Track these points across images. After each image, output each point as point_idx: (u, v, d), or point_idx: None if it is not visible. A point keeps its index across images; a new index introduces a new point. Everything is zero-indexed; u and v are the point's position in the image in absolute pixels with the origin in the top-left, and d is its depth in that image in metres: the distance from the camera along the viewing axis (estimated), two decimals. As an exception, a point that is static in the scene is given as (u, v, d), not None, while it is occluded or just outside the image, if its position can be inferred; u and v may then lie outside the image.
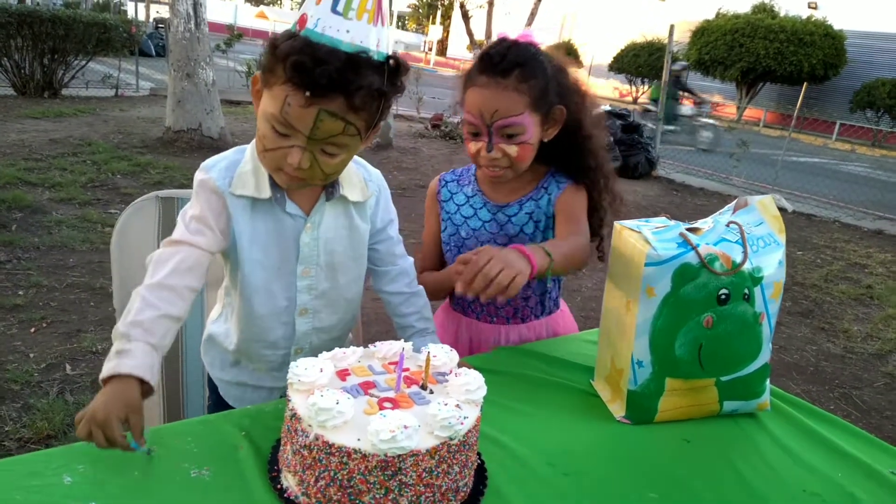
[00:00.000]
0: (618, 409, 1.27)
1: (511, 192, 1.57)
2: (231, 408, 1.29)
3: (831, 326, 4.73)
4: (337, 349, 1.09)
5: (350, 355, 1.08)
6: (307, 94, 1.04)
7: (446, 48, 33.83)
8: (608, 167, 1.55)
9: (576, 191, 1.54)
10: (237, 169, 1.21)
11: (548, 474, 1.08)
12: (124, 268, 1.51)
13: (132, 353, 1.02)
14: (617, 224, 1.29)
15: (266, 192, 1.20)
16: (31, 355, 2.97)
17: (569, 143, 1.50)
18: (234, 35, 13.00)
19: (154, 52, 16.41)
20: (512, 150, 1.43)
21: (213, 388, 1.41)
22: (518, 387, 1.34)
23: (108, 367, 1.01)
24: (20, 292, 3.60)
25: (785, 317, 4.75)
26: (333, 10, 1.04)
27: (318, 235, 1.26)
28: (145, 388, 1.02)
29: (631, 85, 27.99)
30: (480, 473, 1.04)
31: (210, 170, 1.21)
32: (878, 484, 1.15)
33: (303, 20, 1.06)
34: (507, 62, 1.39)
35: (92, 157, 6.57)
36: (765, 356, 1.27)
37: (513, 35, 1.46)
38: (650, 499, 1.06)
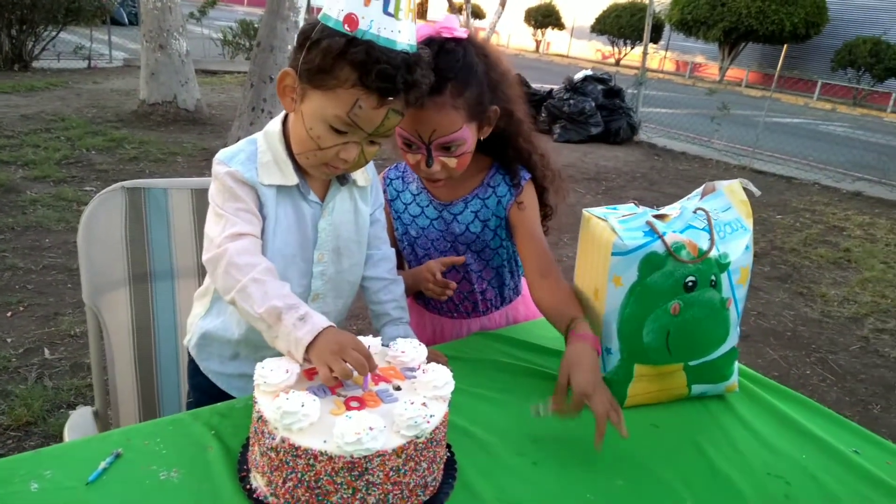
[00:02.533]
0: (588, 395, 1.29)
1: (455, 189, 1.52)
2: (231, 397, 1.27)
3: (809, 291, 4.80)
4: (304, 348, 1.08)
5: (317, 353, 1.08)
6: (389, 97, 1.10)
7: (426, 11, 33.37)
8: (542, 146, 1.52)
9: (527, 197, 1.50)
10: (257, 160, 1.21)
11: (517, 464, 1.10)
12: (92, 260, 1.49)
13: (311, 314, 1.06)
14: (585, 212, 1.29)
15: (293, 179, 1.21)
16: (9, 340, 2.95)
17: (504, 134, 1.47)
18: (208, 2, 12.73)
19: (127, 21, 16.01)
20: (452, 162, 1.38)
21: (195, 385, 1.40)
22: (489, 374, 1.35)
23: (306, 331, 1.03)
24: (-5, 275, 3.56)
25: (763, 282, 4.81)
26: (385, 11, 1.06)
27: (332, 220, 1.28)
28: None
29: (613, 47, 27.80)
30: (450, 466, 1.05)
31: (230, 161, 1.19)
32: (841, 464, 1.18)
33: (352, 21, 1.06)
34: (439, 77, 1.26)
35: (65, 133, 6.45)
36: (732, 340, 1.29)
37: (433, 31, 1.35)
38: (618, 486, 1.08)
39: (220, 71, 11.42)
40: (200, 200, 1.59)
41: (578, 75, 9.63)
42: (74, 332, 3.05)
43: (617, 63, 26.19)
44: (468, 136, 1.38)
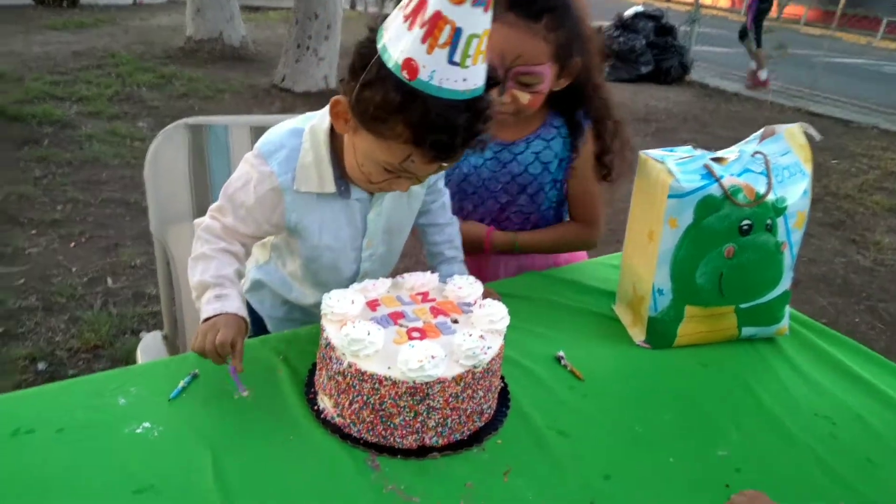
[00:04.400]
0: (638, 334, 1.32)
1: (517, 130, 1.52)
2: None
3: (862, 238, 4.69)
4: (367, 280, 1.13)
5: (380, 286, 1.13)
6: (442, 163, 1.05)
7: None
8: (617, 112, 1.51)
9: (585, 144, 1.52)
10: (297, 160, 1.16)
11: (567, 397, 1.14)
12: (159, 194, 1.55)
13: (230, 297, 1.12)
14: (642, 154, 1.29)
15: (331, 187, 1.17)
16: (74, 269, 3.10)
17: (579, 94, 1.46)
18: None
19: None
20: (524, 98, 1.38)
21: (253, 320, 1.46)
22: (542, 312, 1.38)
23: (213, 308, 1.10)
24: (58, 207, 3.71)
25: (816, 228, 4.72)
26: (450, 61, 0.95)
27: (382, 209, 1.25)
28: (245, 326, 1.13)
29: (666, -19, 26.67)
30: (504, 396, 1.10)
31: (269, 159, 1.15)
32: (887, 406, 1.20)
33: (411, 68, 0.95)
34: (539, 4, 1.31)
35: (116, 70, 6.57)
36: (785, 283, 1.30)
37: None
38: (666, 420, 1.12)
39: (265, 7, 11.36)
40: (259, 137, 1.63)
41: (629, 12, 9.32)
42: (134, 263, 3.18)
43: (669, -1, 25.17)
44: (548, 75, 1.37)
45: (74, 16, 9.05)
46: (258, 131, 1.63)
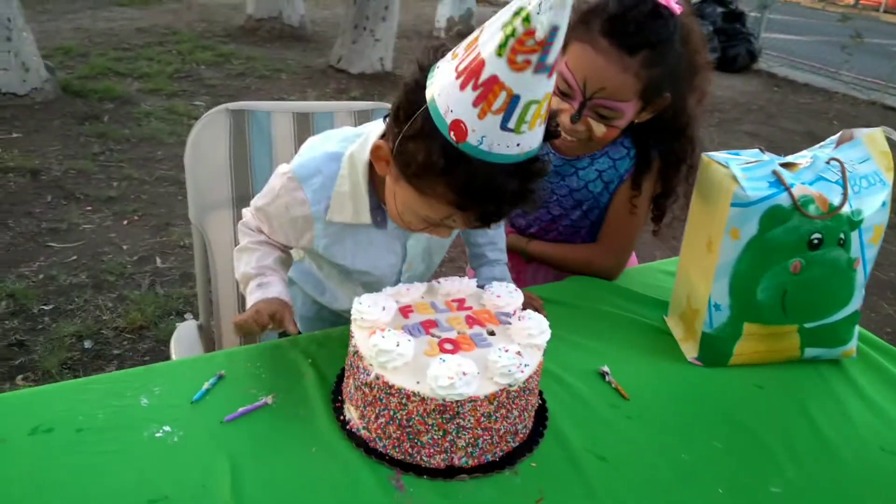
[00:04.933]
0: (690, 350, 1.23)
1: (584, 146, 1.42)
2: None
3: (936, 242, 4.42)
4: (401, 284, 1.08)
5: (413, 291, 1.07)
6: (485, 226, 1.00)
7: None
8: (696, 155, 1.32)
9: (648, 179, 1.40)
10: (333, 188, 1.10)
11: (610, 416, 1.07)
12: (198, 180, 1.53)
13: (272, 284, 1.15)
14: (704, 156, 1.19)
15: (366, 219, 1.11)
16: (125, 247, 3.14)
17: (663, 126, 1.34)
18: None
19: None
20: (599, 129, 1.28)
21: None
22: (586, 321, 1.31)
23: (255, 297, 1.13)
24: (114, 184, 3.77)
25: (885, 230, 4.46)
26: (504, 127, 0.86)
27: (422, 235, 1.16)
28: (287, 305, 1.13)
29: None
30: (541, 414, 1.04)
31: (304, 184, 1.09)
32: (968, 446, 1.08)
33: (460, 130, 0.87)
34: (640, 38, 1.20)
35: (177, 47, 6.65)
36: (856, 303, 1.19)
37: None
38: (716, 448, 1.03)
39: (325, -15, 11.36)
40: (301, 124, 1.59)
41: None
42: (184, 243, 3.21)
43: (739, -18, 24.27)
44: (630, 112, 1.28)
45: (140, -8, 9.21)
46: (301, 118, 1.60)
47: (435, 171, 0.91)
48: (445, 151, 0.88)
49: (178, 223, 3.40)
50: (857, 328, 1.25)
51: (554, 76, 0.86)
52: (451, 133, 0.87)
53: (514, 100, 0.84)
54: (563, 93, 1.29)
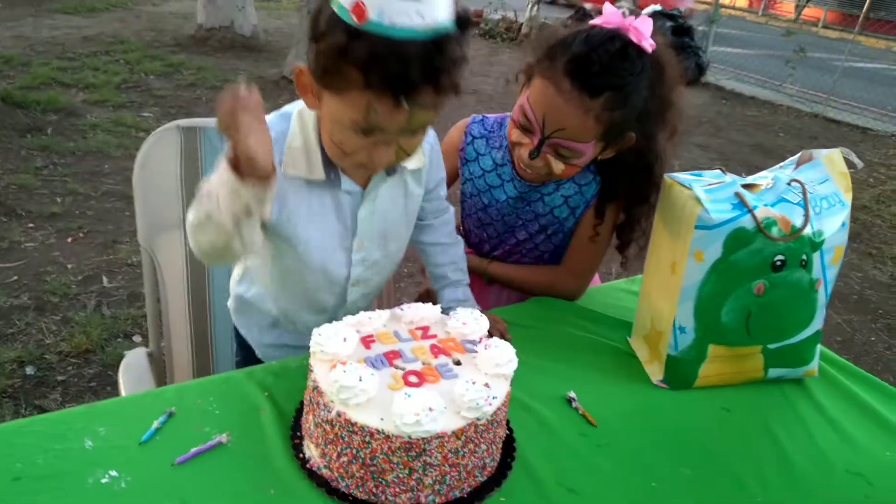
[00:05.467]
0: (655, 372, 1.22)
1: (544, 177, 1.37)
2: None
3: (879, 252, 4.56)
4: (362, 313, 1.03)
5: (375, 319, 1.03)
6: (402, 98, 0.92)
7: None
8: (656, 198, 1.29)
9: (611, 207, 1.39)
10: (285, 142, 1.08)
11: (579, 445, 1.04)
12: (148, 200, 1.46)
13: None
14: (667, 177, 1.19)
15: (319, 174, 1.09)
16: (69, 266, 3.01)
17: (628, 163, 1.30)
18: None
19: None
20: (558, 167, 1.26)
21: (241, 344, 1.38)
22: (551, 344, 1.28)
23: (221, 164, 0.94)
24: (57, 199, 3.63)
25: (831, 240, 4.59)
26: None
27: (375, 208, 1.16)
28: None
29: (684, -21, 26.41)
30: (509, 444, 1.01)
31: None
32: (930, 465, 1.09)
33: (359, 10, 0.88)
34: (602, 80, 1.16)
35: (125, 56, 6.48)
36: (818, 323, 1.20)
37: (624, 26, 1.19)
38: (683, 475, 1.02)
39: (277, -5, 11.25)
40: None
41: (646, 10, 9.15)
42: (132, 260, 3.10)
43: (686, -3, 24.89)
44: (589, 152, 1.25)
45: (86, 0, 8.96)
46: (255, 136, 1.55)
47: (340, 54, 0.90)
48: (349, 34, 0.89)
49: (125, 240, 3.28)
50: (819, 347, 1.25)
51: None
52: (353, 16, 0.88)
53: None
54: (523, 126, 1.26)
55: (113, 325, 2.62)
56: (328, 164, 1.10)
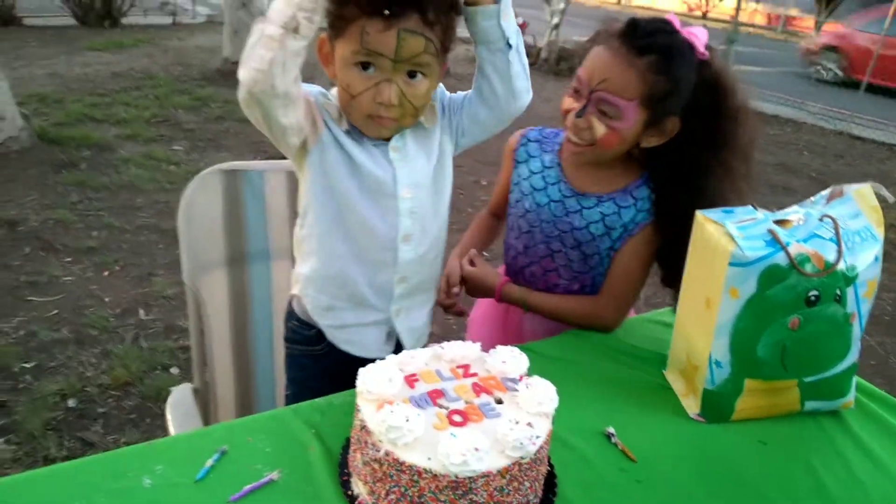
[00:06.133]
0: (692, 405, 1.23)
1: (595, 181, 1.44)
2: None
3: (911, 272, 4.51)
4: (405, 352, 1.07)
5: (418, 358, 1.06)
6: (385, 12, 1.08)
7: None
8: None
9: (653, 233, 1.42)
10: (326, 101, 1.25)
11: (619, 481, 1.06)
12: (192, 241, 1.51)
13: None
14: (698, 214, 1.21)
15: (344, 125, 1.23)
16: (107, 300, 3.09)
17: (679, 166, 1.36)
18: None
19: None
20: (600, 129, 1.32)
21: (293, 379, 1.42)
22: (588, 377, 1.30)
23: None
24: (93, 233, 3.72)
25: (860, 260, 4.54)
26: None
27: (407, 154, 1.27)
28: None
29: (701, -1, 26.45)
30: (550, 480, 1.03)
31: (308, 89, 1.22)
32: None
33: None
34: (649, 42, 1.27)
35: (154, 91, 6.64)
36: (853, 356, 1.21)
37: (679, 24, 1.32)
38: (725, 509, 1.03)
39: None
40: (294, 182, 1.59)
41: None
42: (167, 293, 3.17)
43: (704, 16, 24.96)
44: (631, 115, 1.31)
45: (115, 36, 9.20)
46: (292, 177, 1.60)
47: None
48: None
49: (159, 273, 3.36)
50: (855, 379, 1.26)
51: None
52: None
53: None
54: (575, 90, 1.36)
55: (151, 358, 2.69)
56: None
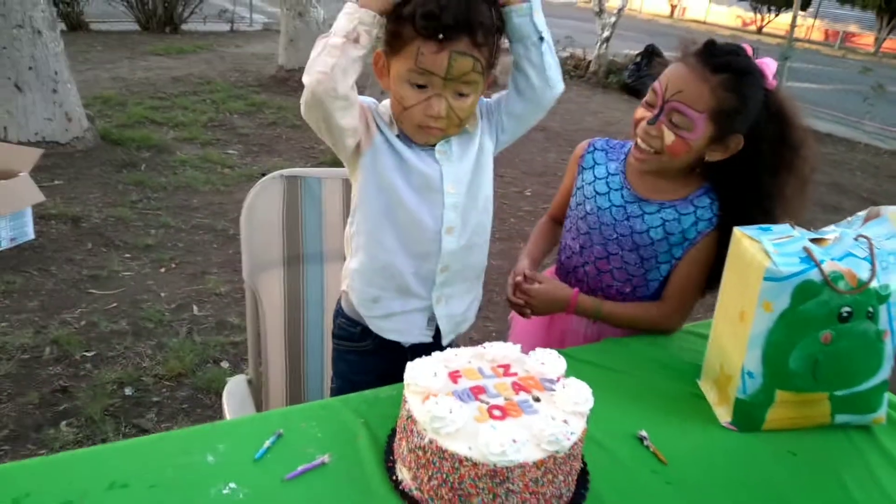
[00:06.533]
0: (723, 414, 1.28)
1: (657, 189, 1.52)
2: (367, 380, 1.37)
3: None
4: (449, 350, 1.14)
5: (461, 356, 1.14)
6: (440, 37, 1.18)
7: None
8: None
9: (713, 239, 1.49)
10: (379, 109, 1.38)
11: (650, 482, 1.11)
12: (253, 242, 1.62)
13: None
14: (736, 230, 1.26)
15: (395, 130, 1.35)
16: (163, 295, 3.24)
17: (743, 184, 1.44)
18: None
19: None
20: (668, 136, 1.40)
21: (338, 373, 1.51)
22: (624, 383, 1.36)
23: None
24: (151, 231, 3.90)
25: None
26: None
27: (451, 154, 1.37)
28: None
29: (756, 13, 26.04)
30: (583, 477, 1.08)
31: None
32: None
33: None
34: (725, 62, 1.37)
35: (211, 96, 6.88)
36: (885, 372, 1.23)
37: (751, 53, 1.43)
38: (752, 514, 1.07)
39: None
40: (349, 189, 1.68)
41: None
42: (219, 291, 3.30)
43: (759, 31, 24.58)
44: (700, 127, 1.39)
45: (175, 42, 9.55)
46: (348, 184, 1.69)
47: (399, 18, 1.22)
48: (404, 2, 1.21)
49: (213, 271, 3.50)
50: (887, 395, 1.28)
51: None
52: None
53: None
54: (649, 102, 1.45)
55: (203, 352, 2.81)
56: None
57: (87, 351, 2.75)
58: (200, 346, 2.86)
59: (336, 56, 1.20)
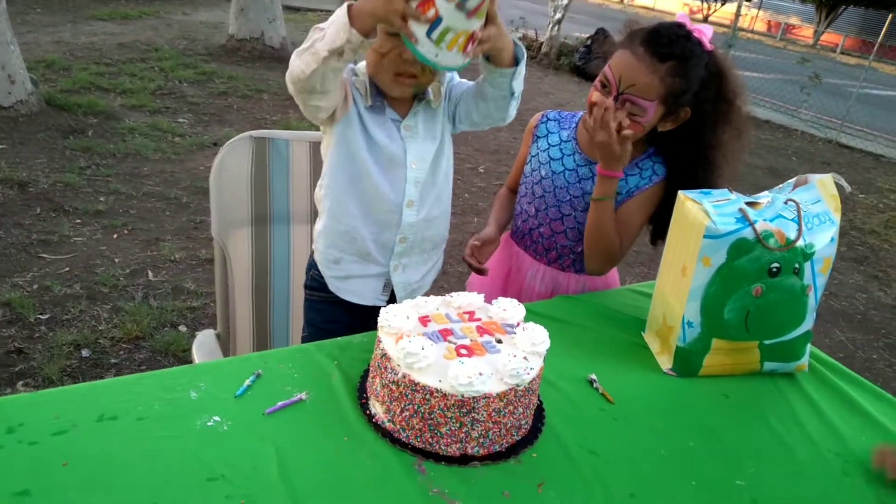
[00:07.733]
0: (665, 362, 1.40)
1: None
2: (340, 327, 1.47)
3: (885, 275, 4.72)
4: (419, 297, 1.23)
5: (430, 303, 1.22)
6: None
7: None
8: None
9: (654, 193, 1.61)
10: (355, 77, 1.46)
11: (598, 418, 1.23)
12: (222, 199, 1.66)
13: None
14: (680, 194, 1.37)
15: (369, 101, 1.44)
16: (116, 260, 3.23)
17: (687, 143, 1.55)
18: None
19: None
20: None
21: (309, 321, 1.59)
22: (576, 336, 1.47)
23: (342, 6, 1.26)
24: (101, 198, 3.85)
25: (839, 262, 4.75)
26: (428, 35, 1.19)
27: (418, 132, 1.47)
28: None
29: (703, 2, 26.61)
30: (539, 413, 1.19)
31: None
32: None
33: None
34: (669, 50, 1.45)
35: (159, 64, 6.73)
36: (808, 324, 1.37)
37: (690, 25, 1.51)
38: (689, 447, 1.20)
39: (304, 8, 11.53)
40: (317, 151, 1.74)
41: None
42: (174, 257, 3.31)
43: (705, 19, 25.10)
44: (652, 111, 1.50)
45: (120, 7, 9.25)
46: (316, 147, 1.75)
47: None
48: None
49: (167, 238, 3.49)
50: (809, 346, 1.43)
51: (473, 18, 1.19)
52: None
53: (438, 20, 1.17)
54: (603, 86, 1.54)
55: (160, 316, 2.83)
56: (376, 96, 1.45)
57: (41, 314, 2.74)
58: (157, 310, 2.87)
59: (318, 63, 1.26)
